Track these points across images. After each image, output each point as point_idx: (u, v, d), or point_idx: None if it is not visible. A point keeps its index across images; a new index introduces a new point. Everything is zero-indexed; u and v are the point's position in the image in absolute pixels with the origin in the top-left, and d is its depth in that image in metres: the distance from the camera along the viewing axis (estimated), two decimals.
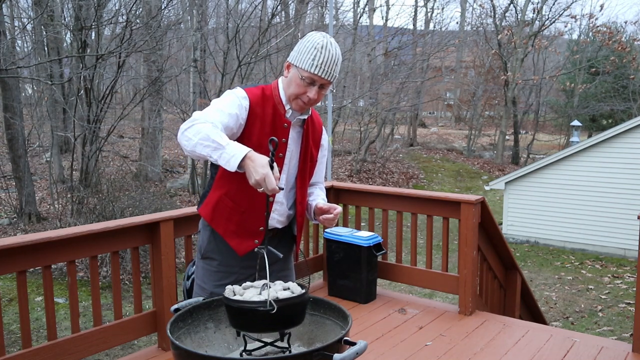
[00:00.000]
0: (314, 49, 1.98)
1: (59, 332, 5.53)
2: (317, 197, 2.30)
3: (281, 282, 1.80)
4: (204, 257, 2.22)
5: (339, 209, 2.12)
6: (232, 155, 1.75)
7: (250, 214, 2.13)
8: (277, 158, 2.08)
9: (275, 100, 2.11)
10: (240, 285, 1.77)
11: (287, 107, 2.10)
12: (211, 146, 1.78)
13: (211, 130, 1.81)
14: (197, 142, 1.81)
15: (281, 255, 1.87)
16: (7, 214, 11.11)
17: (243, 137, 2.05)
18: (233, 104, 2.02)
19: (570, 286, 10.09)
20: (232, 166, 1.75)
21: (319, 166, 2.32)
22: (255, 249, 1.87)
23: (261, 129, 2.07)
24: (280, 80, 2.15)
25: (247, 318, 1.62)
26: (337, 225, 4.60)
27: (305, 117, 2.16)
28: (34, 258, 2.77)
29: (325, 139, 2.32)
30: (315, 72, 1.99)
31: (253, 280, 2.23)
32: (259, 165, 1.70)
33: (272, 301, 1.59)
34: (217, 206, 2.15)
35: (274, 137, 1.76)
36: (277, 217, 2.18)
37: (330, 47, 2.00)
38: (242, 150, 1.75)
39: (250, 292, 1.70)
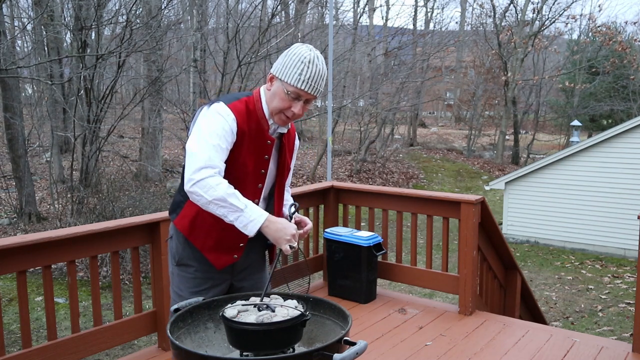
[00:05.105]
0: (300, 63, 1.92)
1: (59, 332, 5.52)
2: (286, 202, 2.28)
3: (280, 298, 1.82)
4: (179, 264, 2.15)
5: (307, 227, 2.09)
6: (250, 219, 1.82)
7: (229, 231, 2.04)
8: (259, 175, 2.08)
9: (259, 114, 2.03)
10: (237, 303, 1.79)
11: (270, 122, 2.05)
12: (227, 208, 1.84)
13: (225, 190, 1.84)
14: (212, 200, 1.85)
15: None
16: (7, 214, 11.11)
17: (229, 158, 1.99)
18: (225, 132, 1.95)
19: (570, 286, 10.08)
20: (249, 231, 1.82)
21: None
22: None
23: (247, 148, 2.02)
24: (262, 91, 2.06)
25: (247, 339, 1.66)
26: (337, 225, 4.60)
27: (285, 131, 2.11)
28: (34, 258, 2.77)
29: (297, 143, 2.28)
30: (302, 88, 1.93)
31: (229, 287, 2.22)
32: (290, 227, 1.85)
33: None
34: (195, 221, 2.08)
35: (296, 203, 1.92)
36: None
37: (317, 61, 1.94)
38: (261, 215, 1.82)
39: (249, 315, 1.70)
